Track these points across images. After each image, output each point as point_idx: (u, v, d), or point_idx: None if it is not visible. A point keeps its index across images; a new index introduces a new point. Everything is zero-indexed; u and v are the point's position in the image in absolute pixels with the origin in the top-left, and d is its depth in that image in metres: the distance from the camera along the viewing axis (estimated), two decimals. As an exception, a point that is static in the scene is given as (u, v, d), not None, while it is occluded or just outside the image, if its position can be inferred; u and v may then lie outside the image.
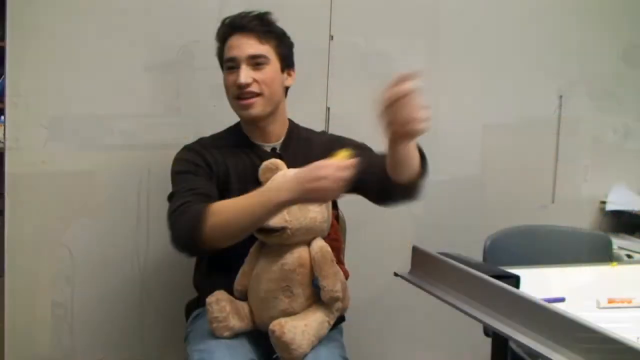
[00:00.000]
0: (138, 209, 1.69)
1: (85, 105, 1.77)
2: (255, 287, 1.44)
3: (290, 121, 1.63)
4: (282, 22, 1.94)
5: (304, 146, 1.58)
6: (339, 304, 1.43)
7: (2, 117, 2.69)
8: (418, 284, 1.22)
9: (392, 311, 2.18)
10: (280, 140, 1.57)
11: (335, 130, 2.00)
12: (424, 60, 2.16)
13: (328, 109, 2.05)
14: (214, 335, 1.39)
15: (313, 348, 1.39)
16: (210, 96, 1.83)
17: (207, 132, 1.63)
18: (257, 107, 1.48)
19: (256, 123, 1.53)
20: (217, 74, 1.57)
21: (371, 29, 2.08)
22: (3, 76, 1.91)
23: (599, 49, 2.43)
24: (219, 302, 1.38)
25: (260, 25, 1.50)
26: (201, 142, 1.57)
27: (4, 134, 1.72)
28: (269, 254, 1.44)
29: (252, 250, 1.48)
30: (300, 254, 1.42)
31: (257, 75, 1.47)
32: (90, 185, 1.79)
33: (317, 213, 1.42)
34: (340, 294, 1.39)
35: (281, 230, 1.38)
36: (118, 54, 1.79)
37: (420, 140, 2.16)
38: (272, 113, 1.52)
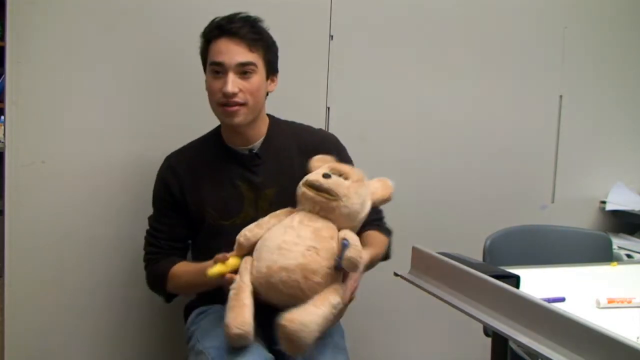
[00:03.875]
0: (137, 209, 1.69)
1: (85, 105, 1.77)
2: (272, 237, 1.36)
3: (271, 118, 1.64)
4: (282, 22, 1.95)
5: (285, 142, 1.60)
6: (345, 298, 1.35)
7: (2, 117, 2.70)
8: (418, 284, 1.22)
9: (392, 311, 2.18)
10: (260, 140, 1.59)
11: (335, 130, 2.00)
12: (424, 60, 2.16)
13: (328, 108, 2.05)
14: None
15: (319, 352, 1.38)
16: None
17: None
18: (241, 115, 1.50)
19: (236, 129, 1.54)
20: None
21: (371, 29, 2.08)
22: (3, 76, 1.91)
23: (599, 49, 2.43)
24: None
25: (251, 32, 1.48)
26: (172, 162, 1.59)
27: (4, 134, 1.72)
28: (302, 218, 1.37)
29: (279, 212, 1.43)
30: (333, 231, 1.36)
31: (244, 84, 1.47)
32: (90, 186, 1.79)
33: (366, 209, 1.40)
34: (361, 262, 1.30)
35: (336, 197, 1.35)
36: (118, 54, 1.79)
37: (422, 139, 2.18)
38: (253, 120, 1.54)
